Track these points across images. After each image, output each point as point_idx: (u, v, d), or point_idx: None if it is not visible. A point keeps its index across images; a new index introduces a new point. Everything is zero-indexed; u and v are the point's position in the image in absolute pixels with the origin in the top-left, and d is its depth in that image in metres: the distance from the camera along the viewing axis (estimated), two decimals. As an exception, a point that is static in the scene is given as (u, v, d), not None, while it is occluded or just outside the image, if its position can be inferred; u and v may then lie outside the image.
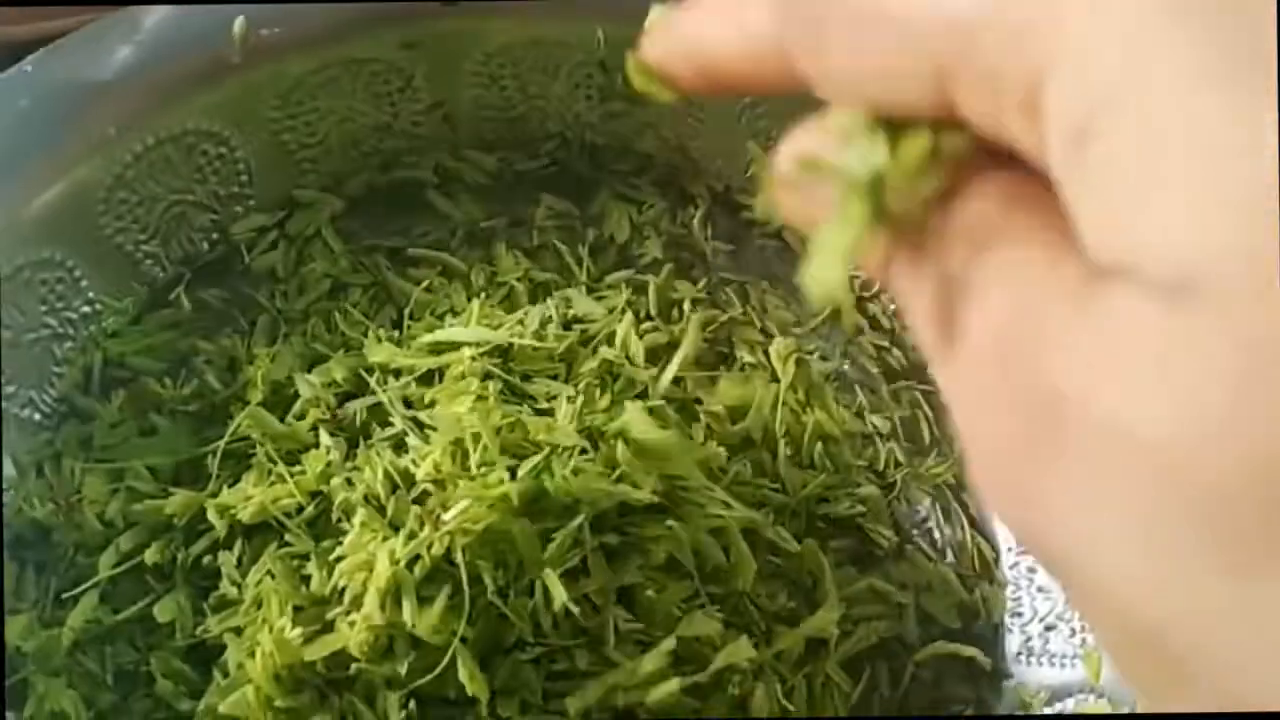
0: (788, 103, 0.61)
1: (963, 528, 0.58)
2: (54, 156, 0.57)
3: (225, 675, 0.49)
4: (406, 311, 0.59)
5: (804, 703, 0.52)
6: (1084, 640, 0.51)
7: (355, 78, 0.61)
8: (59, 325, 0.57)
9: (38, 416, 0.56)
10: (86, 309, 0.58)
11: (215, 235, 0.62)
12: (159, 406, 0.57)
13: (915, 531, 0.58)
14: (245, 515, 0.51)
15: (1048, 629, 0.54)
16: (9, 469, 0.54)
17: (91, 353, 0.58)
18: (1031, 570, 0.55)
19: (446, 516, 0.46)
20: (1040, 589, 0.55)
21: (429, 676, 0.46)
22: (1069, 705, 0.51)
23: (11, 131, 0.56)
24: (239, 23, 0.58)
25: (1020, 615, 0.55)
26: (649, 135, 0.64)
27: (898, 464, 0.59)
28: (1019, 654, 0.54)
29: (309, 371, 0.56)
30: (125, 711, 0.50)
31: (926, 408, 0.61)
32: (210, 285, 0.61)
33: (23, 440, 0.55)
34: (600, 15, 0.61)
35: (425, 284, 0.60)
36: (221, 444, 0.54)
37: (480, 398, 0.51)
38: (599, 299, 0.60)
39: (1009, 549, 0.57)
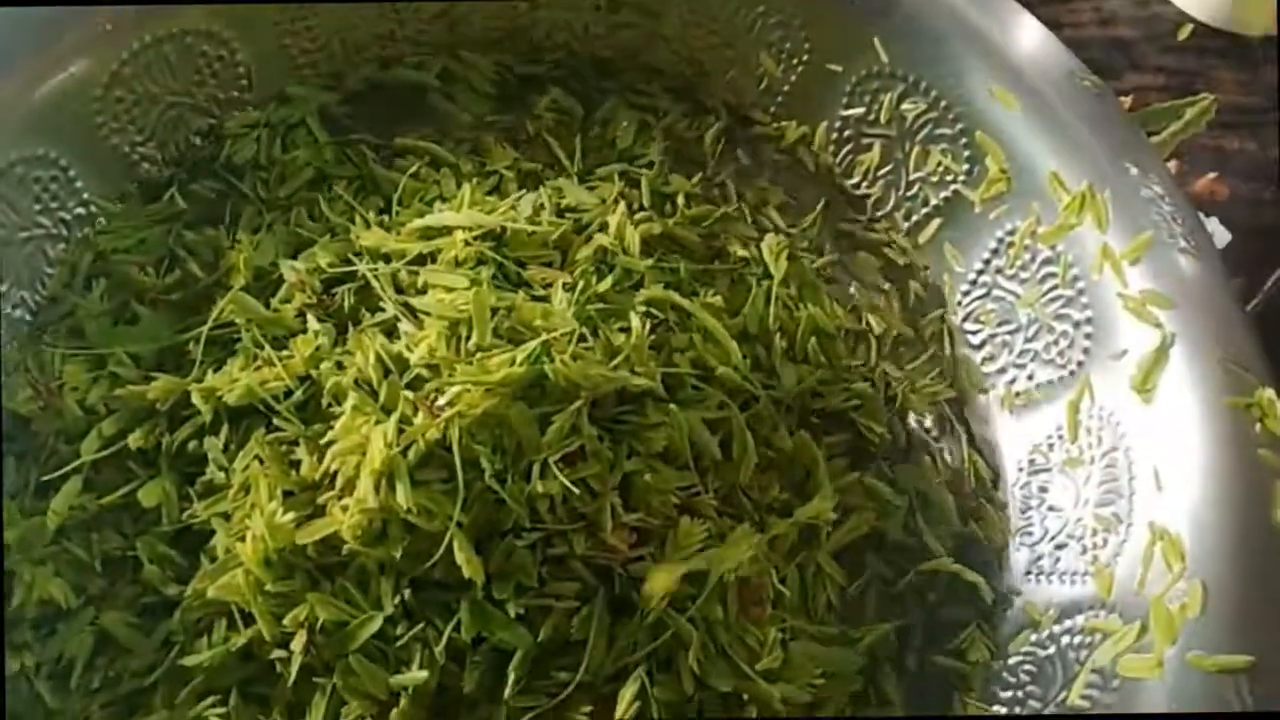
0: (801, 13, 0.60)
1: (962, 446, 0.56)
2: (50, 51, 0.56)
3: (213, 560, 0.47)
4: (395, 199, 0.58)
5: (797, 589, 0.50)
6: (1095, 557, 0.50)
7: (360, -18, 0.60)
8: (52, 225, 0.56)
9: (28, 316, 0.55)
10: (80, 210, 0.57)
11: (211, 137, 0.60)
12: (141, 295, 0.56)
13: (912, 442, 0.57)
14: (231, 399, 0.49)
15: (1058, 547, 0.52)
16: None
17: (82, 251, 0.56)
18: (1043, 490, 0.54)
19: (442, 401, 0.45)
20: (1051, 508, 0.53)
21: (425, 563, 0.44)
22: (1079, 621, 0.50)
23: (7, 24, 0.55)
24: (241, -79, 0.57)
25: (1030, 534, 0.54)
26: (660, 47, 0.63)
27: (892, 380, 0.58)
28: (1028, 572, 0.53)
29: (294, 258, 0.55)
30: (113, 596, 0.49)
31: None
32: (202, 180, 0.60)
33: (11, 336, 0.54)
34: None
35: (413, 170, 0.59)
36: (205, 329, 0.52)
37: (474, 282, 0.50)
38: (590, 189, 0.58)
39: (1019, 469, 0.55)
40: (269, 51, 0.60)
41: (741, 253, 0.58)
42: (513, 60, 0.64)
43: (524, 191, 0.57)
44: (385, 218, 0.57)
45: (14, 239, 0.55)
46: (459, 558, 0.44)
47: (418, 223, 0.54)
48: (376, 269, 0.53)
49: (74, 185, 0.57)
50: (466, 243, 0.52)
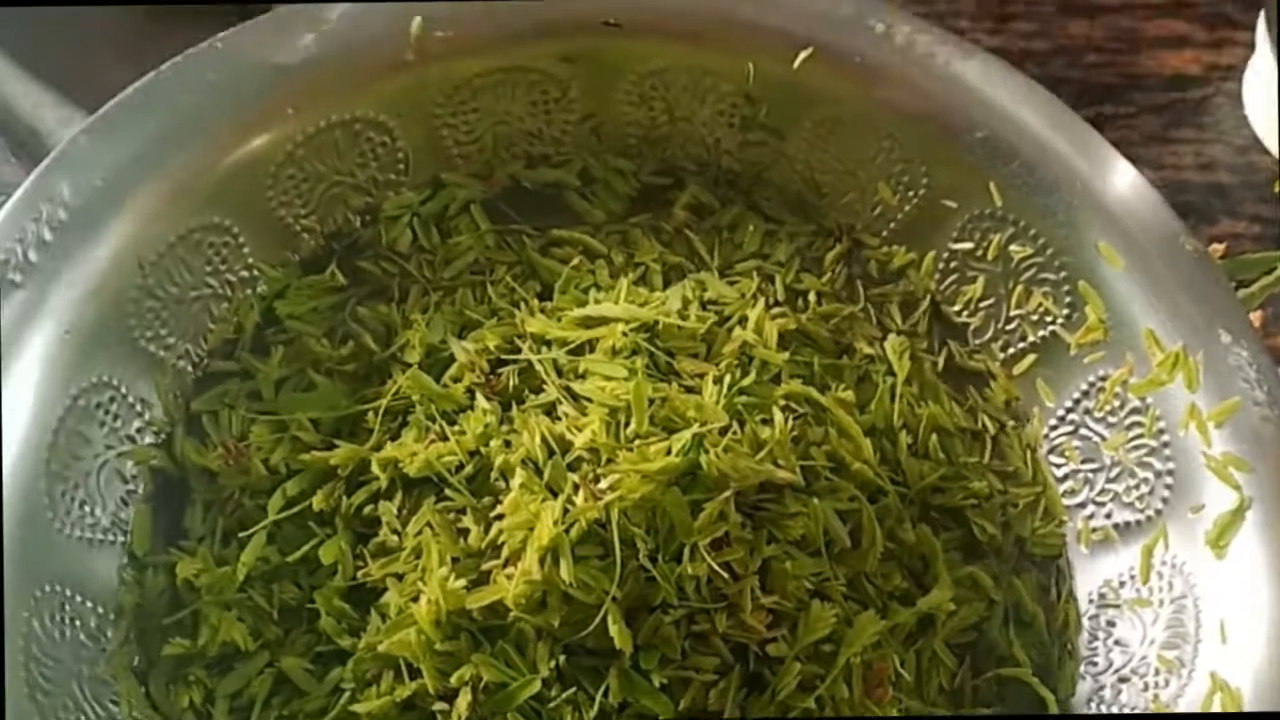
0: (923, 151, 0.64)
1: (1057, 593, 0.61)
2: (235, 129, 0.61)
3: (384, 617, 0.53)
4: (556, 286, 0.63)
5: (913, 673, 0.55)
6: (1156, 695, 0.54)
7: (516, 84, 0.65)
8: (219, 286, 0.62)
9: (189, 368, 0.60)
10: (245, 273, 0.62)
11: (367, 216, 0.66)
12: (318, 365, 0.61)
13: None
14: (412, 469, 0.54)
15: (1121, 680, 0.56)
16: (158, 411, 0.59)
17: (248, 312, 0.62)
18: (1110, 624, 0.57)
19: (604, 484, 0.50)
20: (1118, 642, 0.57)
21: (580, 631, 0.50)
22: (1135, 756, 0.53)
23: (197, 103, 0.61)
24: (416, 22, 0.62)
25: (1095, 664, 0.57)
26: (783, 166, 0.67)
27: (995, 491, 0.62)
28: (1089, 701, 0.57)
29: (461, 338, 0.60)
30: (290, 644, 0.55)
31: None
32: (358, 257, 0.66)
33: (175, 387, 0.60)
34: (753, 49, 0.65)
35: (573, 263, 0.64)
36: (384, 402, 0.58)
37: (631, 372, 0.55)
38: (731, 284, 0.63)
39: (1089, 600, 0.59)
40: (427, 141, 0.65)
41: (867, 350, 0.62)
42: (648, 166, 0.68)
43: (671, 285, 0.62)
44: (546, 304, 0.62)
45: (186, 298, 0.60)
46: (611, 629, 0.49)
47: (578, 312, 0.59)
48: (540, 353, 0.58)
49: (242, 250, 0.62)
50: (624, 334, 0.57)
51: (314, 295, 0.63)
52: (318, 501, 0.56)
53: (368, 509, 0.56)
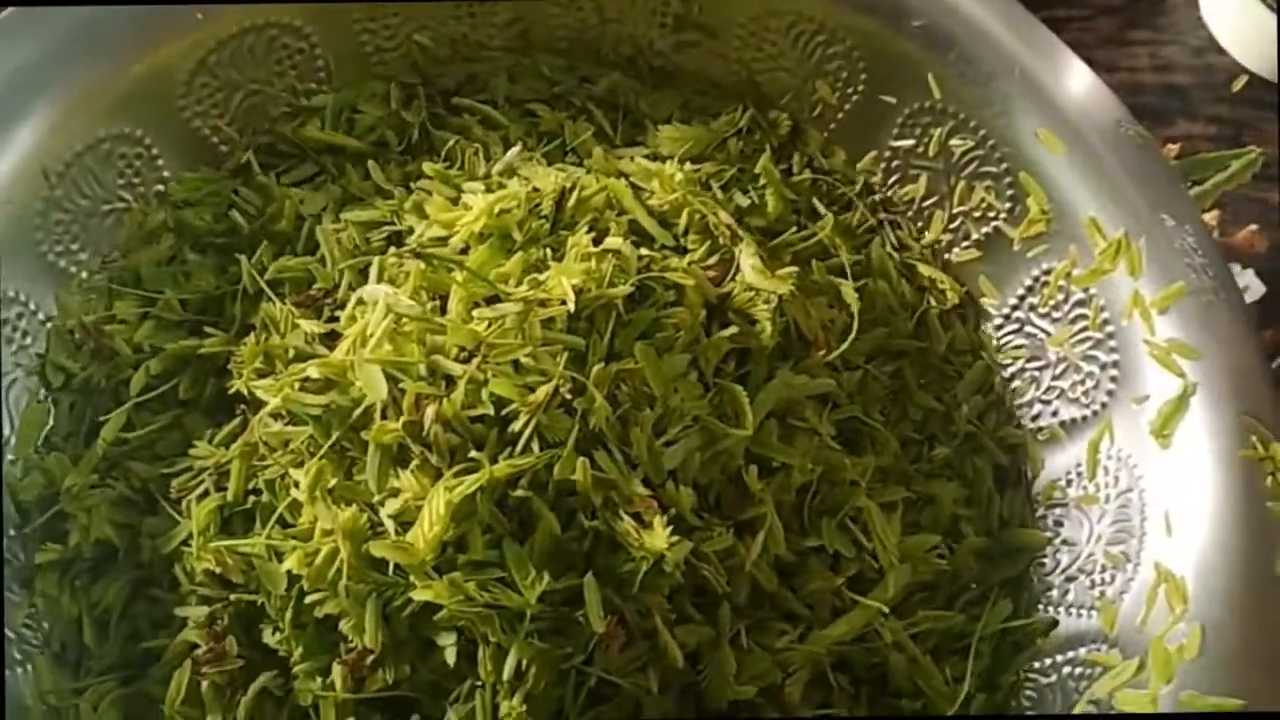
0: (860, 45, 0.62)
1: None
2: (140, 36, 0.59)
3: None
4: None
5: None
6: (1102, 593, 0.52)
7: (439, -14, 0.63)
8: (133, 199, 0.59)
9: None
10: (159, 186, 0.60)
11: (288, 124, 0.63)
12: (197, 243, 0.60)
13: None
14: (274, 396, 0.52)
15: (1068, 579, 0.54)
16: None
17: (154, 210, 0.60)
18: (1058, 524, 0.56)
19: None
20: (1065, 541, 0.55)
21: None
22: (1081, 653, 0.51)
23: (100, 8, 0.58)
24: (331, -79, 0.60)
25: (1042, 565, 0.56)
26: (719, 66, 0.65)
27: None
28: (1037, 601, 0.55)
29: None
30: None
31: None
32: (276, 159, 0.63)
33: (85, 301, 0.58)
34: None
35: (451, 143, 0.62)
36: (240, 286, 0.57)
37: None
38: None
39: (1037, 500, 0.57)
40: (347, 47, 0.63)
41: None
42: (579, 69, 0.66)
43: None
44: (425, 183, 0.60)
45: (97, 210, 0.58)
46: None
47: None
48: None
49: (155, 162, 0.60)
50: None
51: (213, 180, 0.61)
52: (183, 389, 0.55)
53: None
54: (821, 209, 0.61)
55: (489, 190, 0.56)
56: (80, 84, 0.57)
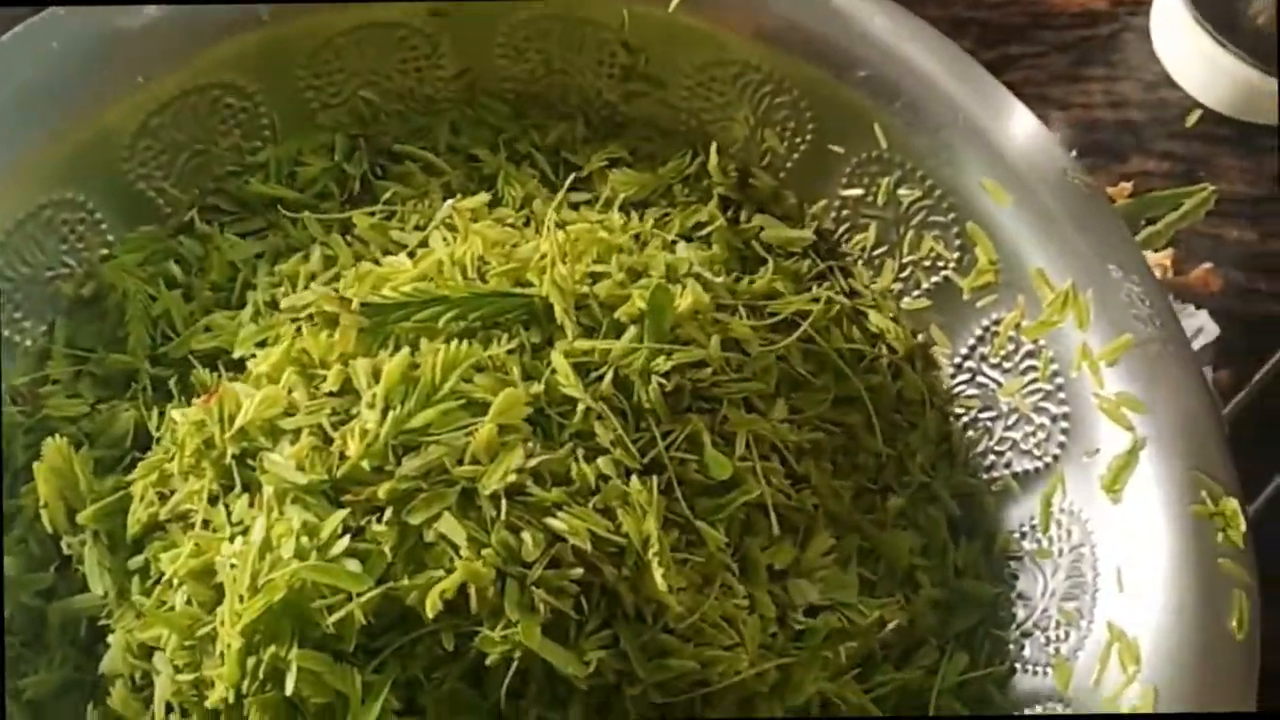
0: (807, 95, 0.61)
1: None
2: (82, 101, 0.58)
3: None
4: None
5: None
6: (1057, 650, 0.51)
7: (383, 41, 0.62)
8: (76, 264, 0.59)
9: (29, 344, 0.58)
10: (104, 250, 0.59)
11: (233, 182, 0.63)
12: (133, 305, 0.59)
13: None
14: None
15: (1024, 635, 0.54)
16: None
17: (88, 280, 0.60)
18: (1014, 577, 0.55)
19: None
20: (1020, 595, 0.54)
21: None
22: (1036, 710, 0.51)
23: (41, 74, 0.58)
24: (269, -21, 0.59)
25: (998, 619, 0.55)
26: (668, 115, 0.65)
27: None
28: (993, 657, 0.54)
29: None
30: None
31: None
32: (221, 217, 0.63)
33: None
34: (626, -4, 0.62)
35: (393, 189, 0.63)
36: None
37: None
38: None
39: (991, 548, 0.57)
40: (291, 104, 0.63)
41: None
42: (528, 114, 0.66)
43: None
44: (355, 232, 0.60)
45: (39, 277, 0.58)
46: None
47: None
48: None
49: (99, 226, 0.59)
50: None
51: (154, 239, 0.61)
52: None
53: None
54: (765, 255, 0.61)
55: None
56: (21, 151, 0.57)
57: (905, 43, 0.60)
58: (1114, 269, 0.54)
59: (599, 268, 0.55)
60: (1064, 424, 0.55)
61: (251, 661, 0.46)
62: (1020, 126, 0.58)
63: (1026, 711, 0.52)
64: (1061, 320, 0.54)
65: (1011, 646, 0.54)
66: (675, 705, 0.48)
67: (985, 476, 0.58)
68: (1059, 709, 0.50)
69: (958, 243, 0.58)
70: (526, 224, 0.60)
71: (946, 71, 0.59)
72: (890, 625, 0.53)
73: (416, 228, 0.60)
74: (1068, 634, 0.52)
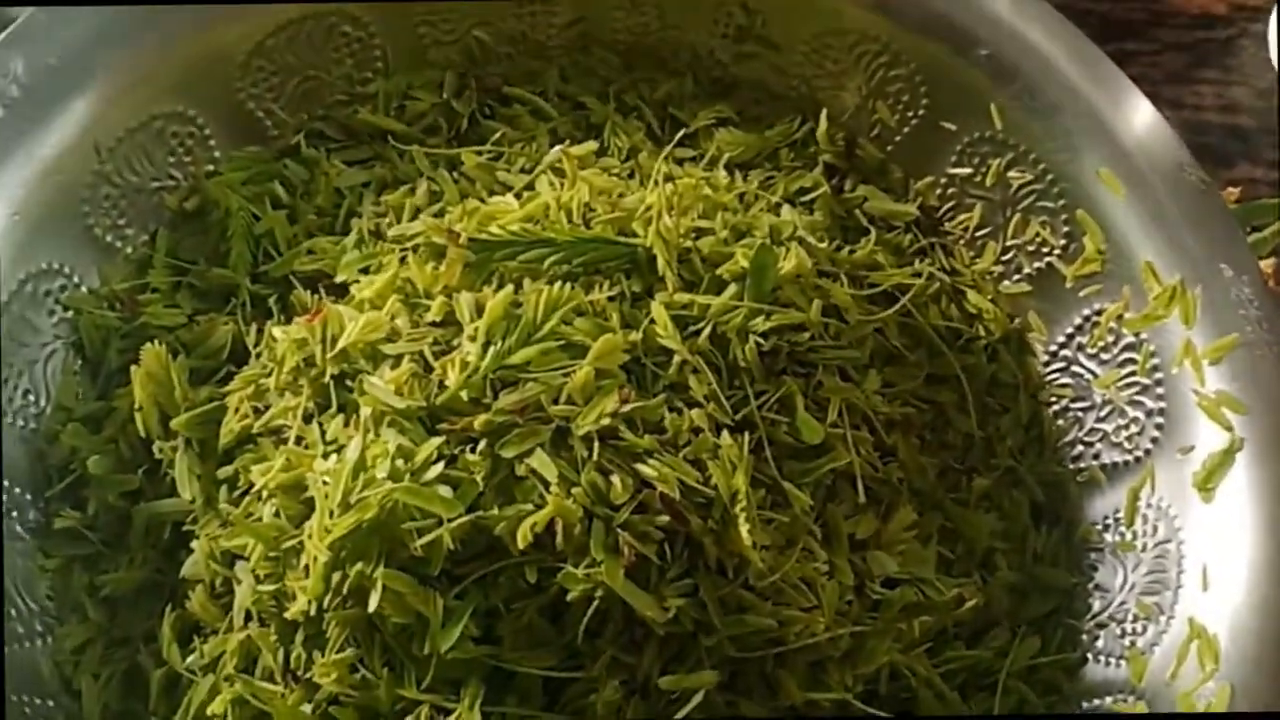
0: (923, 70, 0.61)
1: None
2: (199, 16, 0.59)
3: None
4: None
5: None
6: (1132, 642, 0.51)
7: (500, -17, 0.63)
8: (183, 177, 0.59)
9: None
10: (210, 166, 0.60)
11: (343, 114, 0.63)
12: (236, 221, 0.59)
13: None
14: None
15: (1099, 626, 0.53)
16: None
17: (200, 190, 0.60)
18: (1092, 568, 0.55)
19: None
20: (1098, 587, 0.54)
21: None
22: (1106, 702, 0.51)
23: (159, -13, 0.58)
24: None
25: (1073, 608, 0.55)
26: (779, 80, 0.64)
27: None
28: (1065, 645, 0.54)
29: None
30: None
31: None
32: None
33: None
34: (750, -43, 0.62)
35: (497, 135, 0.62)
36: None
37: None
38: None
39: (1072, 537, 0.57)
40: (405, 39, 0.63)
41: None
42: (637, 67, 0.65)
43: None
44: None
45: (145, 186, 0.58)
46: None
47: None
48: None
49: (207, 142, 0.60)
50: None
51: (259, 159, 0.61)
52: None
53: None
54: (868, 226, 0.61)
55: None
56: (137, 62, 0.58)
57: (1028, 24, 0.59)
58: (1225, 268, 0.54)
59: (703, 223, 0.55)
60: (1159, 419, 0.54)
61: (336, 577, 0.46)
62: (1140, 118, 0.57)
63: (1096, 702, 0.51)
64: (1167, 315, 0.54)
65: (1085, 636, 0.54)
66: (749, 661, 0.48)
67: (1072, 466, 0.57)
68: (1130, 700, 0.50)
69: (1065, 229, 0.58)
70: (631, 176, 0.60)
71: (1067, 56, 0.58)
72: (967, 604, 0.53)
73: (523, 170, 0.60)
74: (1145, 628, 0.52)
